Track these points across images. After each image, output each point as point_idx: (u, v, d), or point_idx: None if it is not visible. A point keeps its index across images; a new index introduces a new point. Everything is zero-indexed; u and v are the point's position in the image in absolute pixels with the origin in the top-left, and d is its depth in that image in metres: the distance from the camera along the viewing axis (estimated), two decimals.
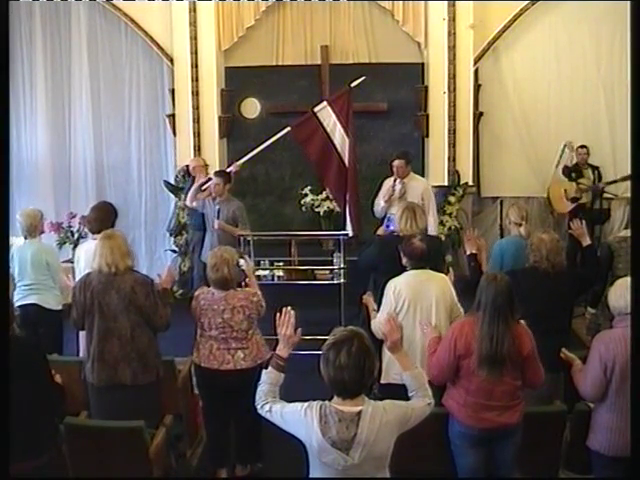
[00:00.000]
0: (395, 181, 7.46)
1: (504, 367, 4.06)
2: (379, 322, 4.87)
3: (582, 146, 9.40)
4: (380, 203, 7.50)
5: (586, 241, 5.65)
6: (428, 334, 4.62)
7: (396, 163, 7.51)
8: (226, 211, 7.52)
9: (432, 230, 7.31)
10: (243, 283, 5.38)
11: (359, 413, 3.15)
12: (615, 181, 9.16)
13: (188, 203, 7.95)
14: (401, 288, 4.99)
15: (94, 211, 6.16)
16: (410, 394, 3.47)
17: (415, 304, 4.96)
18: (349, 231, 7.73)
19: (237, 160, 8.29)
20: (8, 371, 3.57)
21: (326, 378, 3.18)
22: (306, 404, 3.25)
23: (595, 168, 9.38)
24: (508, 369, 4.08)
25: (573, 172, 9.32)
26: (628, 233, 6.08)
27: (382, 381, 4.89)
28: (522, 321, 4.27)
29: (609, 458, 4.09)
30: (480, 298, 4.14)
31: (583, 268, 5.66)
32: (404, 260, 5.10)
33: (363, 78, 7.79)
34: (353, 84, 7.77)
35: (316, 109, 7.78)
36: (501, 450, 4.23)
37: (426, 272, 5.13)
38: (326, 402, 3.22)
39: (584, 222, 5.88)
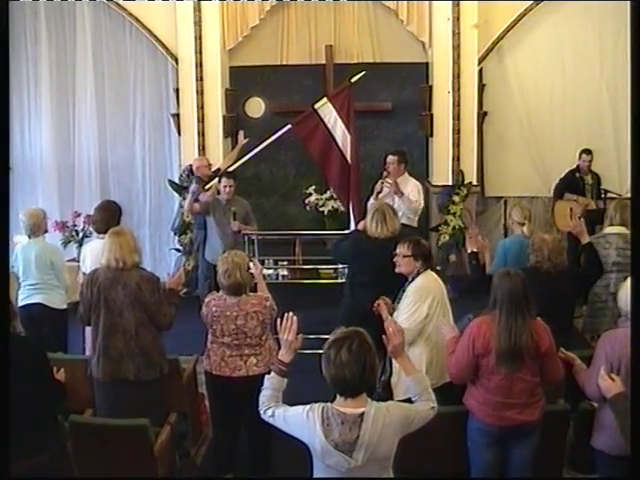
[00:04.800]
0: (385, 179, 7.48)
1: (523, 363, 4.08)
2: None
3: (587, 151, 9.25)
4: (371, 202, 7.54)
5: (585, 239, 5.65)
6: (447, 334, 4.61)
7: (389, 159, 7.56)
8: (240, 211, 7.53)
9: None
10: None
11: (362, 415, 3.17)
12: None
13: (186, 212, 7.95)
14: (431, 290, 4.98)
15: (99, 211, 6.21)
16: (414, 398, 3.48)
17: (440, 303, 4.98)
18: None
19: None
20: (8, 370, 3.58)
21: (328, 377, 3.19)
22: (308, 407, 3.26)
23: (595, 174, 9.34)
24: (527, 365, 4.11)
25: (572, 179, 9.25)
26: (607, 230, 6.09)
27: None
28: (539, 318, 4.29)
29: (613, 457, 4.08)
30: (495, 295, 4.16)
31: (582, 267, 5.66)
32: (418, 263, 5.05)
33: (363, 73, 7.78)
34: (353, 79, 7.77)
35: (317, 105, 7.76)
36: (518, 448, 4.25)
37: (430, 272, 5.14)
38: (328, 404, 3.23)
39: (582, 220, 5.87)
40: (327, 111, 7.72)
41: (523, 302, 4.10)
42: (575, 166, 9.31)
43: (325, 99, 7.82)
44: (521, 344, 4.05)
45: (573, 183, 9.26)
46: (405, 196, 7.33)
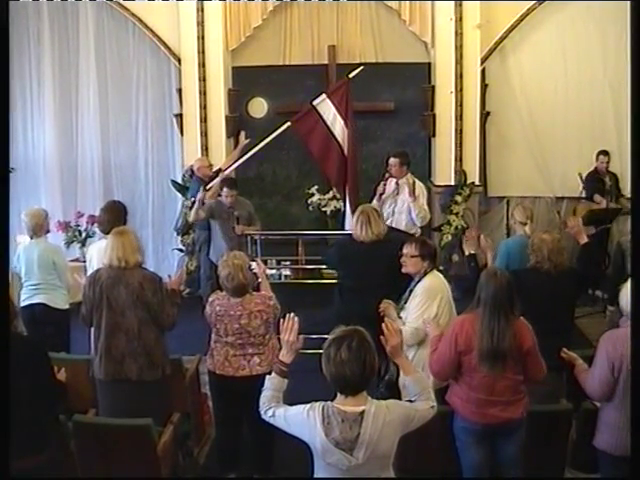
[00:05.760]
0: (387, 180, 7.50)
1: (505, 362, 4.10)
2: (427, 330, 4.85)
3: (604, 152, 9.24)
4: (374, 203, 7.55)
5: (583, 239, 5.66)
6: (430, 332, 4.64)
7: (391, 161, 7.60)
8: (243, 213, 7.54)
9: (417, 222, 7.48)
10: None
11: (362, 413, 3.17)
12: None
13: (192, 220, 7.92)
14: (439, 289, 5.01)
15: (105, 212, 6.22)
16: (413, 398, 3.47)
17: (447, 302, 5.02)
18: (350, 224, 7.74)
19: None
20: (9, 369, 3.59)
21: (328, 376, 3.20)
22: (308, 405, 3.26)
23: (613, 175, 9.31)
24: (509, 364, 4.12)
25: (593, 180, 9.20)
26: None
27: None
28: (521, 317, 4.30)
29: (616, 457, 4.08)
30: (480, 294, 4.18)
31: (580, 267, 5.66)
32: (425, 263, 5.07)
33: (361, 68, 7.80)
34: (351, 75, 7.77)
35: (315, 102, 7.77)
36: (505, 446, 4.26)
37: (436, 271, 5.16)
38: (328, 403, 3.24)
39: (580, 220, 5.87)
40: (326, 108, 7.75)
41: (507, 303, 4.12)
42: (593, 168, 9.30)
43: (324, 95, 7.84)
44: (504, 345, 4.07)
45: (594, 185, 9.24)
46: (417, 201, 7.31)
